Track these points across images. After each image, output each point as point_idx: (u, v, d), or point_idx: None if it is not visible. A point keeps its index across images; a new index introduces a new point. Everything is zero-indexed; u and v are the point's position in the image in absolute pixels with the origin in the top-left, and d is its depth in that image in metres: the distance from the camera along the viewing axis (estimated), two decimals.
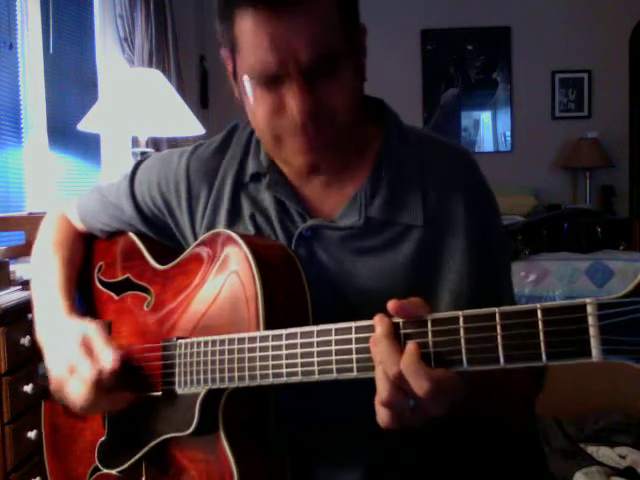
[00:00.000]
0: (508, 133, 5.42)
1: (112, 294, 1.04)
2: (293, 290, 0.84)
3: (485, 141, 5.47)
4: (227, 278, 0.85)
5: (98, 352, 0.89)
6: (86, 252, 1.12)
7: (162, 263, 0.99)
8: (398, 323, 0.68)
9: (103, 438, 0.98)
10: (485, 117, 5.46)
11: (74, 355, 0.90)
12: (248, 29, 0.80)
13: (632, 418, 2.42)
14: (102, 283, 1.07)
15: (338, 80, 0.83)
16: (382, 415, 0.68)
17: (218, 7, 0.85)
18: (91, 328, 0.93)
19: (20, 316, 1.76)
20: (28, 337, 1.75)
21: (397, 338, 0.68)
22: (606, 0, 5.12)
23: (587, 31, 5.17)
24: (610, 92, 5.25)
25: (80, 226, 1.13)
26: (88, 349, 0.90)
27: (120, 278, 1.04)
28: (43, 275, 1.07)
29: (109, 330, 1.00)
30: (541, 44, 5.26)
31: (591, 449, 2.25)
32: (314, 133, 0.83)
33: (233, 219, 0.96)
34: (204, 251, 0.91)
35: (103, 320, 1.00)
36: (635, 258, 3.58)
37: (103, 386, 0.88)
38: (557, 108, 5.37)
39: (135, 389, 0.92)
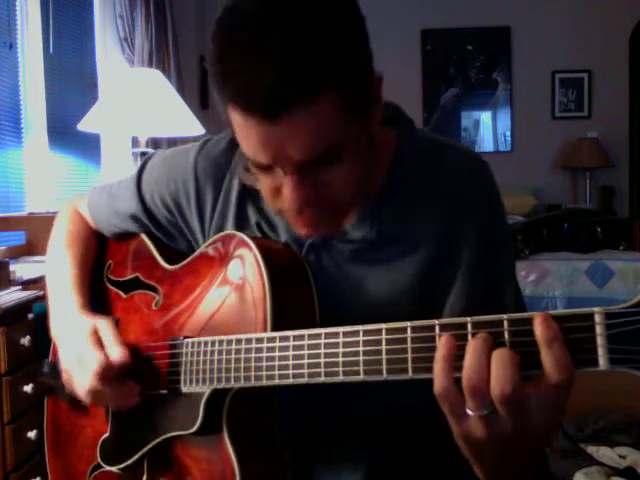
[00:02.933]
0: (508, 133, 5.42)
1: (120, 292, 1.04)
2: (301, 293, 0.84)
3: (485, 141, 5.47)
4: (236, 280, 0.85)
5: (107, 344, 0.90)
6: (97, 249, 1.12)
7: (171, 263, 0.99)
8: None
9: (106, 435, 0.98)
10: (485, 117, 5.46)
11: (83, 346, 0.91)
12: (239, 123, 0.74)
13: (632, 418, 2.42)
14: (111, 282, 1.07)
15: (339, 167, 0.77)
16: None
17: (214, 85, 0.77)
18: (101, 322, 0.94)
19: (20, 316, 1.76)
20: (28, 337, 1.75)
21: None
22: (606, 0, 5.12)
23: (587, 31, 5.18)
24: (610, 92, 5.25)
25: (92, 225, 1.13)
26: (97, 341, 0.91)
27: (129, 277, 1.04)
28: (58, 270, 1.07)
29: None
30: (541, 44, 5.27)
31: (591, 449, 2.25)
32: (311, 215, 0.80)
33: (240, 225, 0.95)
34: (214, 252, 0.91)
35: (112, 317, 1.00)
36: (635, 258, 3.58)
37: (109, 378, 0.89)
38: (557, 108, 5.38)
39: (141, 387, 0.92)
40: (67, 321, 0.99)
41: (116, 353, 0.89)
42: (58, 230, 1.13)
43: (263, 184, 0.80)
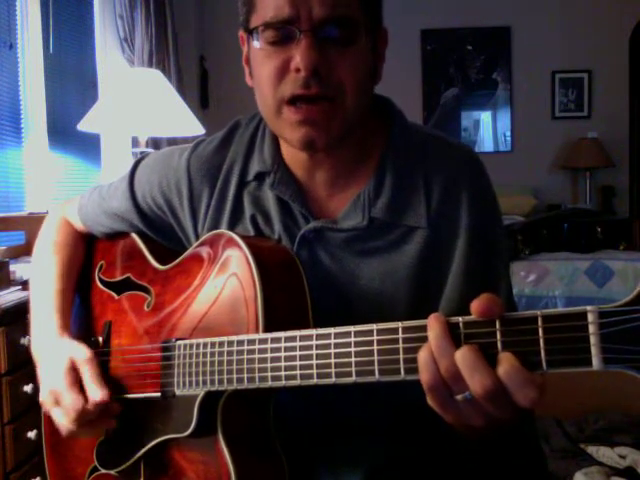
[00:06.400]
0: (508, 133, 5.42)
1: (112, 293, 1.04)
2: (293, 292, 0.83)
3: (485, 141, 5.46)
4: (227, 279, 0.85)
5: (87, 384, 0.91)
6: (87, 251, 1.12)
7: (163, 262, 0.99)
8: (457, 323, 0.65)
9: (102, 438, 0.98)
10: (485, 117, 5.46)
11: (59, 384, 0.91)
12: None
13: (632, 418, 2.42)
14: (102, 282, 1.07)
15: (350, 54, 0.82)
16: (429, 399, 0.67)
17: None
18: (81, 357, 0.93)
19: (20, 316, 1.76)
20: (28, 337, 1.75)
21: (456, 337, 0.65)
22: (606, 0, 5.12)
23: (587, 31, 5.17)
24: (610, 92, 5.25)
25: (81, 227, 1.13)
26: (74, 379, 0.91)
27: (120, 278, 1.04)
28: (41, 284, 1.07)
29: (109, 331, 1.00)
30: (541, 44, 5.26)
31: (591, 449, 2.25)
32: (315, 95, 0.81)
33: (235, 219, 0.95)
34: (205, 252, 0.91)
35: (92, 355, 0.99)
36: (635, 258, 3.58)
37: (86, 418, 0.90)
38: (557, 108, 5.37)
39: (130, 393, 0.92)
40: (46, 344, 0.99)
41: (96, 395, 0.89)
42: (44, 240, 1.12)
43: (271, 63, 0.83)
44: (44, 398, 0.93)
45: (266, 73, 0.83)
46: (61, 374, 0.91)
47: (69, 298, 1.06)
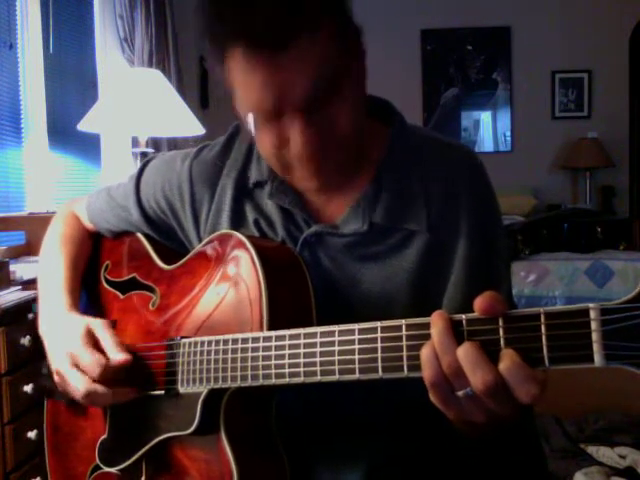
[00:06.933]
0: (508, 133, 5.42)
1: (118, 293, 1.04)
2: (297, 292, 0.84)
3: (485, 141, 5.47)
4: (232, 279, 0.85)
5: (106, 346, 0.89)
6: (93, 251, 1.13)
7: (168, 263, 0.99)
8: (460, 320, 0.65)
9: (104, 436, 0.98)
10: (485, 117, 5.46)
11: (77, 347, 0.90)
12: (241, 69, 0.76)
13: (632, 418, 2.42)
14: (108, 282, 1.07)
15: (340, 102, 0.79)
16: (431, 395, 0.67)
17: (208, 49, 0.81)
18: (97, 322, 0.93)
19: (20, 316, 1.76)
20: (28, 337, 1.75)
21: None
22: (606, 0, 5.12)
23: (587, 31, 5.18)
24: (610, 92, 5.25)
25: (89, 225, 1.13)
26: (92, 342, 0.90)
27: (126, 277, 1.04)
28: (49, 269, 1.07)
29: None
30: (541, 44, 5.27)
31: (591, 449, 2.25)
32: (322, 159, 0.81)
33: (236, 224, 0.95)
34: (210, 252, 0.91)
35: (109, 319, 1.00)
36: (635, 258, 3.58)
37: (105, 380, 0.88)
38: (557, 108, 5.38)
39: (138, 387, 0.92)
40: (56, 320, 0.98)
41: (118, 355, 0.88)
42: (52, 232, 1.13)
43: (268, 138, 0.81)
44: (59, 363, 0.92)
45: (264, 144, 0.82)
46: (78, 337, 0.90)
47: (77, 284, 1.06)
